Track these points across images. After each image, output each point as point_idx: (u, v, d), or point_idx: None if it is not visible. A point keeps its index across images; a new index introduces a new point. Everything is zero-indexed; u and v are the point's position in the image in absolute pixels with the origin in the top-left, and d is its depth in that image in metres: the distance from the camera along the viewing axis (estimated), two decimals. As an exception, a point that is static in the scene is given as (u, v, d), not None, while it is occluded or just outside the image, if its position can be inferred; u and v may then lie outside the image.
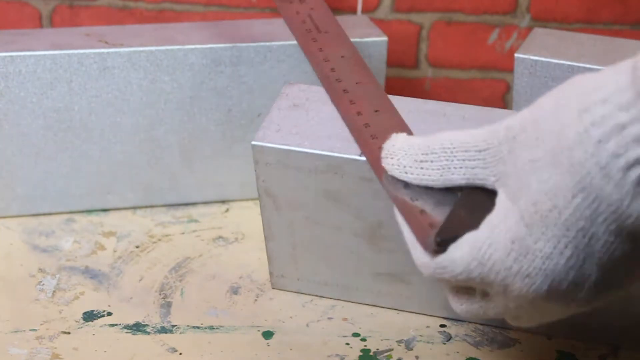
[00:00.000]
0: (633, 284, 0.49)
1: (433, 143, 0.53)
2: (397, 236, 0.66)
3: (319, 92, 0.68)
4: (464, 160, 0.52)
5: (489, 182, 0.51)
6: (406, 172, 0.54)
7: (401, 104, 0.67)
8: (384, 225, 0.65)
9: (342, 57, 0.70)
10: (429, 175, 0.53)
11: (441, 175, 0.53)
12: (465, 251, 0.49)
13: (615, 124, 0.45)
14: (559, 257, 0.47)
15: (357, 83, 0.67)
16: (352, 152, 0.63)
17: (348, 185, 0.64)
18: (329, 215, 0.66)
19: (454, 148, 0.52)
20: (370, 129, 0.62)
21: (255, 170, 0.66)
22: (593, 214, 0.46)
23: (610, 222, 0.46)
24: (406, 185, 0.55)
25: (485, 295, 0.51)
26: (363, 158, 0.62)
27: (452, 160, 0.52)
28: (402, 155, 0.55)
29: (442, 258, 0.50)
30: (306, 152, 0.64)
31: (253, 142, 0.64)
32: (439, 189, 0.54)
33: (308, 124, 0.66)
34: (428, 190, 0.54)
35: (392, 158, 0.55)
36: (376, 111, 0.64)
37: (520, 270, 0.48)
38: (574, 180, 0.46)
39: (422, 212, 0.53)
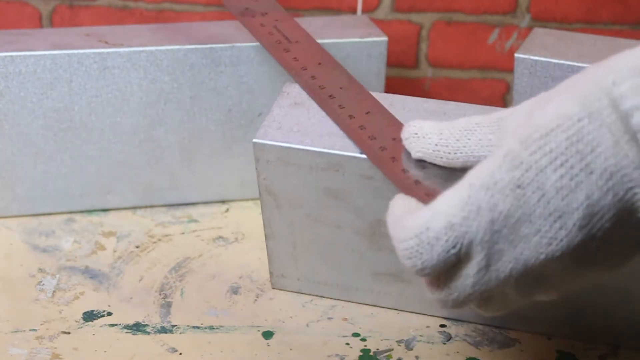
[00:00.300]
0: (614, 260, 0.49)
1: (458, 120, 0.55)
2: None
3: None
4: (483, 127, 0.53)
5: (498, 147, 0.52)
6: (423, 137, 0.56)
7: (400, 102, 0.67)
8: (384, 223, 0.65)
9: (319, 64, 0.70)
10: (445, 140, 0.55)
11: (457, 140, 0.54)
12: (454, 194, 0.49)
13: (631, 68, 0.46)
14: (553, 172, 0.47)
15: (341, 88, 0.67)
16: (353, 150, 0.63)
17: (349, 183, 0.64)
18: (330, 213, 0.66)
19: (477, 118, 0.54)
20: (367, 131, 0.62)
21: (256, 168, 0.66)
22: (594, 141, 0.46)
23: (607, 158, 0.46)
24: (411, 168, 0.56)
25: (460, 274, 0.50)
26: (364, 155, 0.62)
27: (473, 127, 0.54)
28: (427, 124, 0.56)
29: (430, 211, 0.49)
30: (307, 150, 0.64)
31: (254, 140, 0.64)
32: (443, 172, 0.55)
33: (309, 121, 0.66)
34: (433, 169, 0.56)
35: (414, 126, 0.57)
36: (367, 113, 0.64)
37: (511, 178, 0.47)
38: (583, 105, 0.47)
39: (417, 182, 0.55)
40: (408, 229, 0.49)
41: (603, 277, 0.50)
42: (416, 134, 0.57)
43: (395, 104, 0.67)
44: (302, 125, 0.65)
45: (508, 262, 0.48)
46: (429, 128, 0.56)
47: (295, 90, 0.69)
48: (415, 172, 0.56)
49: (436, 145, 0.55)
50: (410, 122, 0.58)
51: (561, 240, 0.47)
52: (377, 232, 0.66)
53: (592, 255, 0.48)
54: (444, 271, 0.50)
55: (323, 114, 0.66)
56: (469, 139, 0.54)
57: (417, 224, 0.49)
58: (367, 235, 0.66)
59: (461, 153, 0.54)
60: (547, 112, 0.48)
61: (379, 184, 0.63)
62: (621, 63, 0.47)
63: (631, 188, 0.46)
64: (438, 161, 0.56)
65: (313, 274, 0.71)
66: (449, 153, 0.55)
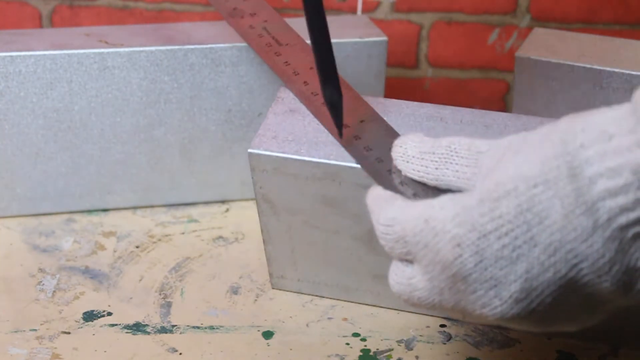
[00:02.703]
0: (569, 327, 0.48)
1: (441, 141, 0.55)
2: None
3: None
4: (462, 157, 0.53)
5: (472, 182, 0.51)
6: (407, 162, 0.56)
7: (396, 107, 0.66)
8: None
9: (311, 68, 0.69)
10: (426, 167, 0.55)
11: (436, 169, 0.54)
12: (418, 208, 0.49)
13: (602, 132, 0.44)
14: (496, 240, 0.46)
15: None
16: (349, 160, 0.63)
17: (345, 192, 0.64)
18: (327, 220, 0.66)
19: (458, 146, 0.53)
20: (362, 141, 0.61)
21: (252, 177, 0.65)
22: (543, 212, 0.45)
23: (553, 232, 0.45)
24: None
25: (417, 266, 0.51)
26: (359, 165, 0.62)
27: (452, 156, 0.53)
28: (410, 146, 0.56)
29: (397, 211, 0.51)
30: (303, 160, 0.63)
31: (249, 150, 0.64)
32: (422, 186, 0.56)
33: (304, 130, 0.65)
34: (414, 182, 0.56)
35: (400, 147, 0.57)
36: (362, 121, 0.63)
37: (455, 236, 0.47)
38: (542, 170, 0.45)
39: (415, 195, 0.56)
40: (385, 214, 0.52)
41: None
42: (402, 156, 0.56)
43: (392, 109, 0.66)
44: (297, 134, 0.65)
45: (447, 300, 0.49)
46: (412, 151, 0.56)
47: (289, 96, 0.68)
48: (413, 185, 0.56)
49: (418, 171, 0.55)
50: (397, 142, 0.57)
51: (495, 307, 0.47)
52: (375, 238, 0.66)
53: (537, 323, 0.47)
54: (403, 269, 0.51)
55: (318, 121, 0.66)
56: (447, 169, 0.53)
57: (385, 215, 0.51)
58: (365, 241, 0.66)
59: (441, 181, 0.54)
60: (510, 169, 0.47)
61: None
62: (593, 124, 0.44)
63: (576, 265, 0.44)
64: (425, 182, 0.56)
65: (312, 276, 0.71)
66: (430, 180, 0.55)
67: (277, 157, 0.64)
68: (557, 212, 0.44)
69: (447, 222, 0.47)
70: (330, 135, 0.65)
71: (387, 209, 0.52)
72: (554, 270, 0.45)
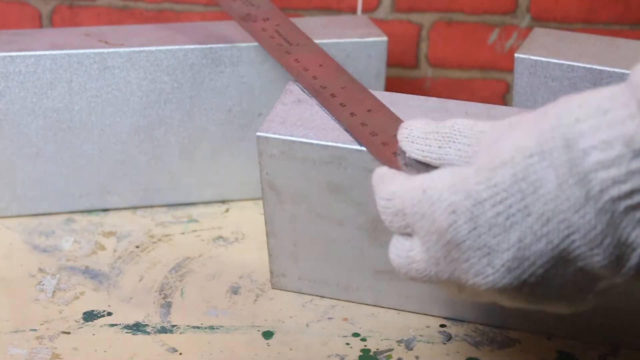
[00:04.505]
0: (561, 305, 0.48)
1: (445, 122, 0.56)
2: None
3: None
4: (464, 137, 0.53)
5: (472, 160, 0.52)
6: (412, 142, 0.57)
7: (403, 100, 0.67)
8: None
9: (320, 65, 0.71)
10: (429, 147, 0.56)
11: (439, 147, 0.55)
12: (417, 181, 0.50)
13: (597, 107, 0.44)
14: (490, 208, 0.46)
15: (342, 87, 0.67)
16: (356, 143, 0.64)
17: (351, 177, 0.64)
18: (332, 209, 0.66)
19: (461, 126, 0.54)
20: (368, 128, 0.62)
21: (259, 162, 0.66)
22: (537, 182, 0.45)
23: (547, 202, 0.45)
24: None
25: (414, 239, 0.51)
26: (365, 148, 0.63)
27: (455, 136, 0.54)
28: (416, 127, 0.57)
29: (397, 185, 0.52)
30: (310, 143, 0.64)
31: (258, 133, 0.65)
32: (425, 167, 0.56)
33: (312, 117, 0.66)
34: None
35: (406, 129, 0.58)
36: (369, 111, 0.64)
37: (451, 203, 0.47)
38: (538, 141, 0.46)
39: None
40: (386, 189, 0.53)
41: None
42: (407, 137, 0.57)
43: (398, 102, 0.67)
44: (305, 120, 0.66)
45: (443, 271, 0.49)
46: (417, 132, 0.57)
47: (297, 89, 0.69)
48: (416, 166, 0.57)
49: (422, 151, 0.56)
50: (403, 124, 0.58)
51: (487, 276, 0.47)
52: (378, 228, 0.66)
53: (528, 297, 0.47)
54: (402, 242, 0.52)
55: (325, 110, 0.67)
56: (450, 148, 0.54)
57: (386, 190, 0.52)
58: (368, 231, 0.67)
59: (444, 160, 0.55)
60: (507, 142, 0.47)
61: None
62: (589, 101, 0.45)
63: (568, 236, 0.45)
64: (429, 162, 0.56)
65: (313, 273, 0.71)
66: (434, 159, 0.55)
67: (285, 140, 0.65)
68: (551, 182, 0.45)
69: (443, 190, 0.48)
70: (338, 122, 0.66)
71: (388, 184, 0.53)
72: (547, 240, 0.45)
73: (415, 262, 0.51)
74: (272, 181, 0.67)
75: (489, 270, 0.47)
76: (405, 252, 0.51)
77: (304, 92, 0.69)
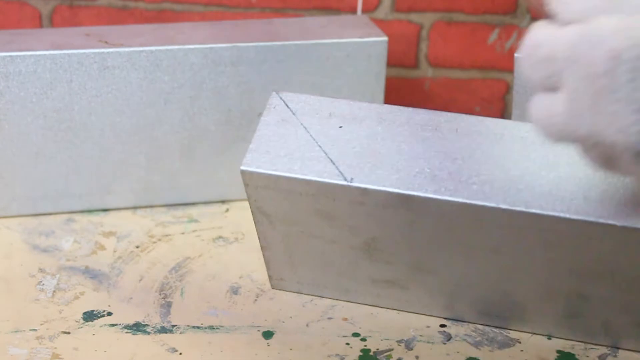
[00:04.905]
0: None
1: None
2: (392, 248, 0.66)
3: (307, 102, 0.67)
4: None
5: None
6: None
7: (390, 116, 0.66)
8: (378, 239, 0.65)
9: None
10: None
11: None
12: (573, 28, 0.47)
13: None
14: None
15: None
16: (342, 178, 0.62)
17: (340, 207, 0.64)
18: (324, 231, 0.66)
19: None
20: None
21: (246, 192, 0.65)
22: None
23: None
24: None
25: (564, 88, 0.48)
26: (353, 184, 0.62)
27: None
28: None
29: (547, 33, 0.48)
30: (296, 178, 0.63)
31: (242, 168, 0.64)
32: None
33: (297, 143, 0.65)
34: None
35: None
36: None
37: (614, 48, 0.44)
38: None
39: None
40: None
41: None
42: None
43: (386, 117, 0.66)
44: (290, 148, 0.64)
45: (584, 125, 0.46)
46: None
47: (281, 105, 0.68)
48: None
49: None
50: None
51: (631, 134, 0.44)
52: (372, 247, 0.66)
53: None
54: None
55: (312, 131, 0.65)
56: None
57: (534, 37, 0.49)
58: (362, 250, 0.66)
59: (608, 11, 0.48)
60: None
61: (371, 209, 0.63)
62: None
63: None
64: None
65: (311, 279, 0.71)
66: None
67: (270, 175, 0.63)
68: None
69: (607, 35, 0.45)
70: (323, 147, 0.64)
71: (537, 32, 0.49)
72: None
73: (557, 115, 0.48)
74: (260, 207, 0.66)
75: (635, 128, 0.44)
76: (546, 105, 0.48)
77: (288, 108, 0.67)
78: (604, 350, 0.67)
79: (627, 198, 0.59)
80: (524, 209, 0.59)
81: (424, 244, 0.64)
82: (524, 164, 0.61)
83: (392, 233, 0.64)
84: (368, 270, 0.68)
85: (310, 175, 0.63)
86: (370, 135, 0.64)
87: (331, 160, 0.63)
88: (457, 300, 0.68)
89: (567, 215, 0.59)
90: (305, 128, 0.66)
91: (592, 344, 0.67)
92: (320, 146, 0.64)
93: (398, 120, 0.65)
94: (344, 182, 0.62)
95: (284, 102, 0.67)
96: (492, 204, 0.60)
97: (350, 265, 0.68)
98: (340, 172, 0.63)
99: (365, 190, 0.62)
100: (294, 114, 0.67)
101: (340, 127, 0.65)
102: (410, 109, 0.66)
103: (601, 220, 0.58)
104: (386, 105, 0.67)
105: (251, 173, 0.64)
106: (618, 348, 0.67)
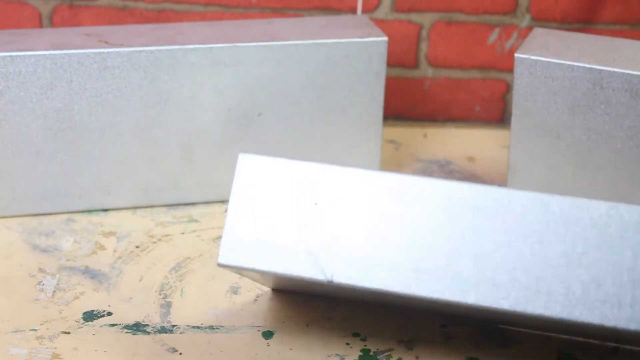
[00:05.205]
0: None
1: None
2: None
3: (277, 170, 0.63)
4: None
5: None
6: None
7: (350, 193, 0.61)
8: None
9: None
10: None
11: None
12: None
13: None
14: None
15: None
16: (322, 274, 0.61)
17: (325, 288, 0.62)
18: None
19: None
20: None
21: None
22: None
23: None
24: None
25: None
26: (335, 281, 0.60)
27: None
28: None
29: None
30: (275, 273, 0.61)
31: (218, 262, 0.62)
32: None
33: (273, 229, 0.61)
34: None
35: None
36: None
37: None
38: None
39: None
40: None
41: None
42: None
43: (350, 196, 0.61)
44: (265, 239, 0.61)
45: None
46: None
47: (251, 173, 0.63)
48: None
49: None
50: None
51: None
52: None
53: None
54: None
55: (285, 214, 0.61)
56: None
57: None
58: None
59: None
60: None
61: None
62: None
63: None
64: None
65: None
66: None
67: (248, 268, 0.62)
68: None
69: None
70: (300, 238, 0.61)
71: None
72: None
73: None
74: (250, 275, 0.64)
75: None
76: None
77: (259, 181, 0.62)
78: (604, 350, 0.67)
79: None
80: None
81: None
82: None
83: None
84: None
85: (289, 271, 0.61)
86: (346, 219, 0.60)
87: (310, 252, 0.61)
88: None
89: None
90: (279, 208, 0.62)
91: (592, 344, 0.67)
92: (297, 233, 0.61)
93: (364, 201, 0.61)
94: (325, 279, 0.61)
95: (254, 170, 0.63)
96: (476, 302, 0.58)
97: None
98: (321, 268, 0.61)
99: (347, 286, 0.59)
100: (265, 188, 0.62)
101: (316, 204, 0.62)
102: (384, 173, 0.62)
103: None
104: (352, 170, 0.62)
105: (230, 267, 0.63)
106: (618, 347, 0.67)
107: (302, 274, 0.61)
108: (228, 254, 0.62)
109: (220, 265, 0.62)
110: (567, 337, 0.68)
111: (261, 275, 0.64)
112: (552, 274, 0.57)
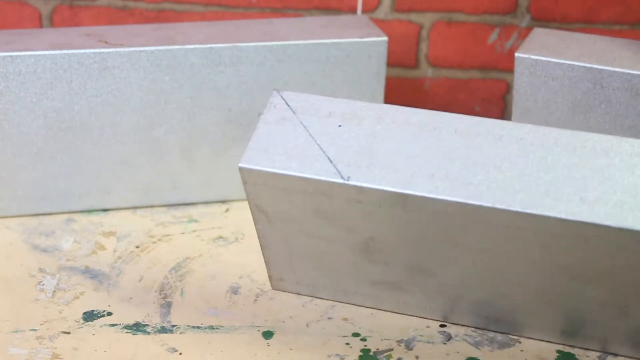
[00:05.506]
0: None
1: None
2: (389, 249, 0.66)
3: (307, 101, 0.67)
4: None
5: None
6: None
7: (391, 115, 0.66)
8: (376, 239, 0.65)
9: None
10: None
11: None
12: None
13: None
14: None
15: None
16: (339, 177, 0.62)
17: (338, 206, 0.64)
18: (322, 230, 0.66)
19: None
20: None
21: (245, 189, 0.65)
22: None
23: None
24: None
25: None
26: (350, 182, 0.62)
27: None
28: None
29: None
30: (293, 176, 0.63)
31: (240, 165, 0.64)
32: None
33: (296, 141, 0.65)
34: None
35: None
36: None
37: None
38: None
39: None
40: None
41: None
42: None
43: (385, 117, 0.66)
44: (288, 146, 0.64)
45: None
46: None
47: (281, 103, 0.68)
48: None
49: None
50: None
51: None
52: (370, 248, 0.66)
53: None
54: None
55: (311, 130, 0.65)
56: None
57: None
58: (361, 250, 0.67)
59: None
60: None
61: (369, 208, 0.63)
62: None
63: None
64: None
65: (311, 279, 0.71)
66: None
67: (267, 172, 0.63)
68: None
69: None
70: (322, 146, 0.64)
71: None
72: None
73: None
74: (259, 205, 0.66)
75: None
76: None
77: (288, 106, 0.67)
78: (603, 350, 0.67)
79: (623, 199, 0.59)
80: (520, 210, 0.59)
81: (420, 244, 0.64)
82: (521, 165, 0.61)
83: (389, 232, 0.64)
84: (367, 271, 0.68)
85: (308, 173, 0.63)
86: (369, 135, 0.64)
87: (329, 159, 0.63)
88: (455, 304, 0.68)
89: (564, 216, 0.59)
90: (305, 127, 0.66)
91: (592, 344, 0.67)
92: (318, 145, 0.64)
93: (397, 120, 0.65)
94: (341, 181, 0.62)
95: (285, 100, 0.67)
96: (489, 204, 0.60)
97: (349, 266, 0.68)
98: (337, 170, 0.63)
99: (361, 188, 0.62)
100: (294, 112, 0.67)
101: (340, 126, 0.65)
102: (410, 109, 0.66)
103: (597, 222, 0.58)
104: (386, 105, 0.67)
105: (249, 170, 0.64)
106: (616, 355, 0.67)
107: (321, 177, 0.63)
108: (249, 159, 0.64)
109: (241, 169, 0.64)
110: (565, 343, 0.68)
111: (273, 201, 0.65)
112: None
